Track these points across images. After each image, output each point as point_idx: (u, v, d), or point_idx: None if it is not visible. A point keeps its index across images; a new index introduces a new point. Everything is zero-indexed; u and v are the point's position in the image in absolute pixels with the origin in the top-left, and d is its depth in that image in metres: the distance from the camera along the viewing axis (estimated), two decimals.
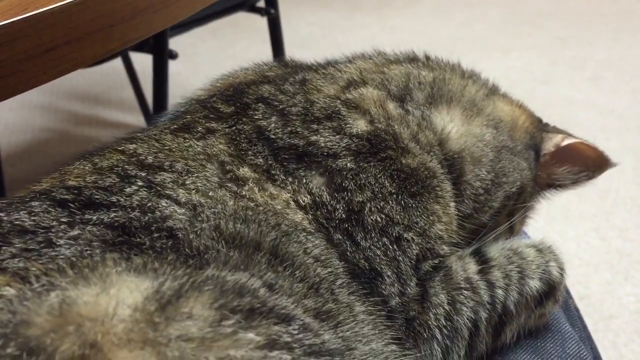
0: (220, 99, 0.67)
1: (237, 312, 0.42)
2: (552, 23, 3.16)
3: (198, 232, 0.51)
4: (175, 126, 0.64)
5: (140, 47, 1.68)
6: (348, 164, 0.62)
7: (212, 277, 0.45)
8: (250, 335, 0.41)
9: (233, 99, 0.66)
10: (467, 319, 0.61)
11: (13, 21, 0.56)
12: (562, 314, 0.73)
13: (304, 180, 0.61)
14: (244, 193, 0.58)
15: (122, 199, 0.52)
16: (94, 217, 0.50)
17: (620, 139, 2.21)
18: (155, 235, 0.49)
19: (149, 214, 0.51)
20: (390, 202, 0.61)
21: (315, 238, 0.58)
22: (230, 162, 0.60)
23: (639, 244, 1.77)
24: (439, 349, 0.60)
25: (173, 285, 0.43)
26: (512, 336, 0.65)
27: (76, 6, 0.61)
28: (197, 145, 0.61)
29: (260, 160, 0.61)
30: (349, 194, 0.61)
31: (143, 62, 2.10)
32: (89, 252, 0.47)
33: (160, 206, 0.52)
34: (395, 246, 0.60)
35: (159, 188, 0.54)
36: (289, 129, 0.63)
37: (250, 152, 0.61)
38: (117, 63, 2.27)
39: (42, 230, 0.48)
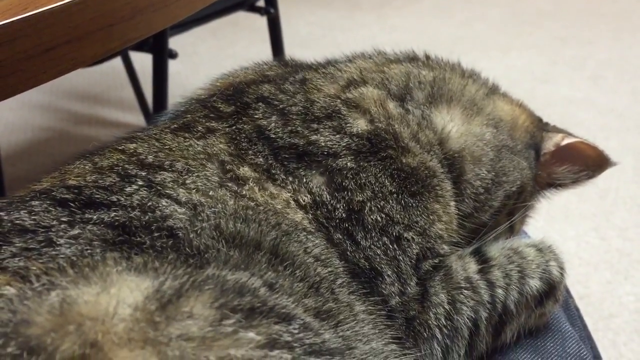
0: (221, 98, 0.67)
1: (238, 311, 0.42)
2: (552, 22, 3.16)
3: (198, 232, 0.51)
4: (175, 125, 0.64)
5: (140, 47, 1.68)
6: (348, 164, 0.62)
7: (212, 276, 0.45)
8: (251, 334, 0.41)
9: (233, 99, 0.66)
10: (467, 318, 0.61)
11: (13, 21, 0.56)
12: (562, 313, 0.73)
13: (304, 180, 0.61)
14: (244, 192, 0.58)
15: (122, 199, 0.52)
16: (95, 217, 0.50)
17: (620, 138, 2.21)
18: (156, 234, 0.49)
19: (149, 214, 0.51)
20: (390, 201, 0.61)
21: (316, 237, 0.58)
22: (230, 162, 0.60)
23: (639, 243, 1.77)
24: (439, 349, 0.60)
25: (173, 284, 0.43)
26: (513, 335, 0.65)
27: (76, 6, 0.61)
28: (198, 144, 0.61)
29: (261, 159, 0.61)
30: (349, 193, 0.61)
31: (143, 61, 2.10)
32: (89, 251, 0.47)
33: (160, 205, 0.52)
34: (395, 245, 0.60)
35: (159, 187, 0.54)
36: (289, 128, 0.63)
37: (250, 152, 0.61)
38: (117, 62, 2.27)
39: (43, 230, 0.48)
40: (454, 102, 0.72)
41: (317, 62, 0.76)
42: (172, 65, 1.79)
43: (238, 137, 0.62)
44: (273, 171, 0.61)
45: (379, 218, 0.60)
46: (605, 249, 1.75)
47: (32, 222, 0.49)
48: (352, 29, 3.18)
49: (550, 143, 0.77)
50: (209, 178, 0.57)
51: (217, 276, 0.46)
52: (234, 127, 0.63)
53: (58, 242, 0.47)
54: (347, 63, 0.74)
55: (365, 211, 0.60)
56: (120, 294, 0.42)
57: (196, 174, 0.57)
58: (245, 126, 0.63)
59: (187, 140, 0.61)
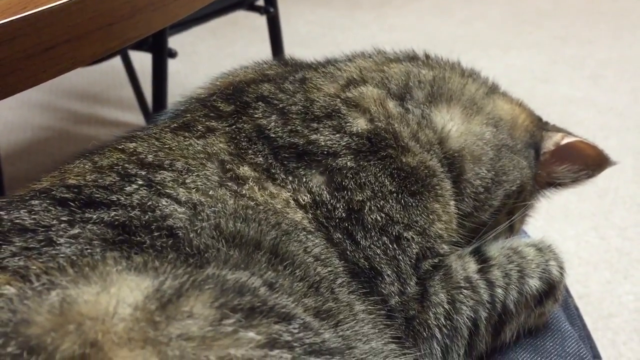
0: (220, 97, 0.67)
1: (238, 311, 0.42)
2: (552, 22, 3.16)
3: (198, 231, 0.51)
4: (175, 125, 0.63)
5: (139, 46, 1.68)
6: (348, 163, 0.62)
7: (212, 276, 0.45)
8: (251, 334, 0.41)
9: (233, 98, 0.66)
10: (467, 318, 0.61)
11: (12, 20, 0.56)
12: (562, 312, 0.73)
13: (304, 179, 0.61)
14: (244, 192, 0.58)
15: (122, 198, 0.52)
16: (94, 216, 0.50)
17: (620, 137, 2.21)
18: (156, 234, 0.49)
19: (149, 213, 0.51)
20: (390, 201, 0.61)
21: (315, 237, 0.58)
22: (230, 161, 0.60)
23: (638, 242, 1.77)
24: (438, 348, 0.60)
25: (173, 284, 0.43)
26: (512, 335, 0.65)
27: (75, 5, 0.61)
28: (197, 144, 0.61)
29: (260, 159, 0.61)
30: (349, 192, 0.61)
31: (142, 60, 2.10)
32: (89, 250, 0.47)
33: (160, 205, 0.52)
34: (395, 245, 0.60)
35: (159, 187, 0.54)
36: (289, 127, 0.63)
37: (250, 151, 0.61)
38: (117, 62, 2.27)
39: (43, 229, 0.48)
40: (454, 101, 0.72)
41: (317, 62, 0.76)
42: (172, 64, 1.79)
43: (238, 137, 0.62)
44: (273, 171, 0.61)
45: (378, 217, 0.60)
46: (604, 249, 1.75)
47: (32, 221, 0.49)
48: (352, 28, 3.18)
49: (550, 142, 0.77)
50: (209, 177, 0.57)
51: (217, 276, 0.46)
52: (234, 126, 0.63)
53: (58, 242, 0.47)
54: (347, 62, 0.74)
55: (365, 211, 0.60)
56: (120, 293, 0.42)
57: (196, 173, 0.57)
58: (245, 125, 0.63)
59: (187, 139, 0.61)
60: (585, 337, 0.75)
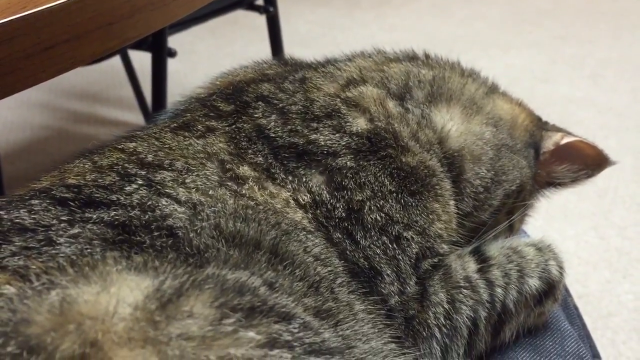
0: (220, 97, 0.67)
1: (238, 310, 0.42)
2: (552, 21, 3.16)
3: (198, 231, 0.51)
4: (175, 124, 0.63)
5: (139, 45, 1.68)
6: (348, 163, 0.62)
7: (212, 275, 0.45)
8: (251, 333, 0.41)
9: (233, 98, 0.66)
10: (467, 317, 0.61)
11: (12, 19, 0.56)
12: (561, 312, 0.73)
13: (304, 179, 0.61)
14: (243, 192, 0.58)
15: (122, 198, 0.52)
16: (94, 216, 0.50)
17: (619, 137, 2.21)
18: (156, 233, 0.49)
19: (149, 213, 0.51)
20: (389, 200, 0.61)
21: (315, 237, 0.58)
22: (230, 161, 0.60)
23: (638, 242, 1.77)
24: (438, 348, 0.60)
25: (173, 283, 0.43)
26: (512, 335, 0.65)
27: (75, 4, 0.61)
28: (197, 143, 0.61)
29: (260, 158, 0.61)
30: (348, 192, 0.61)
31: (142, 60, 2.10)
32: (89, 250, 0.47)
33: (160, 205, 0.52)
34: (394, 245, 0.60)
35: (159, 187, 0.54)
36: (289, 127, 0.63)
37: (250, 151, 0.61)
38: (116, 61, 2.27)
39: (42, 229, 0.48)
40: (454, 101, 0.72)
41: (317, 61, 0.76)
42: (171, 63, 1.79)
43: (238, 136, 0.62)
44: (273, 170, 0.61)
45: (378, 217, 0.60)
46: (604, 248, 1.75)
47: (31, 221, 0.49)
48: (352, 28, 3.18)
49: (550, 142, 0.77)
50: (209, 177, 0.57)
51: (217, 275, 0.46)
52: (234, 126, 0.63)
53: (58, 241, 0.47)
54: (347, 62, 0.74)
55: (365, 210, 0.60)
56: (120, 293, 0.42)
57: (196, 173, 0.57)
58: (244, 125, 0.63)
59: (187, 139, 0.61)
60: (585, 336, 0.76)
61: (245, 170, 0.60)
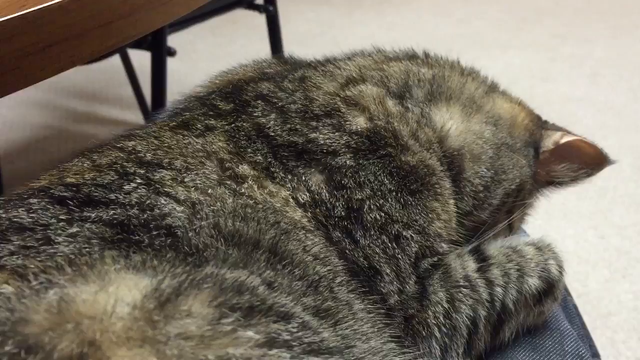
0: (219, 96, 0.67)
1: (236, 310, 0.42)
2: (551, 20, 3.16)
3: (197, 230, 0.51)
4: (174, 123, 0.63)
5: (138, 44, 1.68)
6: (347, 162, 0.62)
7: (211, 275, 0.45)
8: (250, 333, 0.41)
9: (232, 96, 0.66)
10: (466, 317, 0.61)
11: (11, 18, 0.56)
12: (561, 311, 0.73)
13: (303, 178, 0.61)
14: (243, 191, 0.57)
15: (120, 197, 0.52)
16: (93, 215, 0.50)
17: (619, 136, 2.21)
18: (154, 232, 0.49)
19: (148, 212, 0.51)
20: (389, 199, 0.61)
21: (315, 236, 0.58)
22: (229, 160, 0.60)
23: (637, 241, 1.77)
24: (437, 347, 0.60)
25: (172, 283, 0.43)
26: (511, 334, 0.65)
27: (74, 3, 0.61)
28: (196, 142, 0.60)
29: (260, 157, 0.61)
30: (348, 191, 0.61)
31: (141, 59, 2.10)
32: (87, 249, 0.47)
33: (159, 204, 0.52)
34: (394, 244, 0.60)
35: (157, 185, 0.54)
36: (288, 126, 0.63)
37: (249, 150, 0.61)
38: (116, 60, 2.26)
39: (41, 228, 0.48)
40: (453, 100, 0.72)
41: (316, 60, 0.76)
42: (171, 63, 1.79)
43: (237, 135, 0.62)
44: (272, 169, 0.61)
45: (378, 216, 0.60)
46: (603, 247, 1.75)
47: (30, 220, 0.49)
48: (351, 27, 3.17)
49: (549, 141, 0.77)
50: (208, 176, 0.57)
51: (216, 275, 0.45)
52: (233, 125, 0.63)
53: (56, 240, 0.47)
54: (346, 61, 0.74)
55: (365, 209, 0.60)
56: (119, 292, 0.42)
57: (195, 172, 0.57)
58: (244, 124, 0.63)
59: (186, 138, 0.61)
60: (584, 335, 0.75)
61: (244, 169, 0.59)
